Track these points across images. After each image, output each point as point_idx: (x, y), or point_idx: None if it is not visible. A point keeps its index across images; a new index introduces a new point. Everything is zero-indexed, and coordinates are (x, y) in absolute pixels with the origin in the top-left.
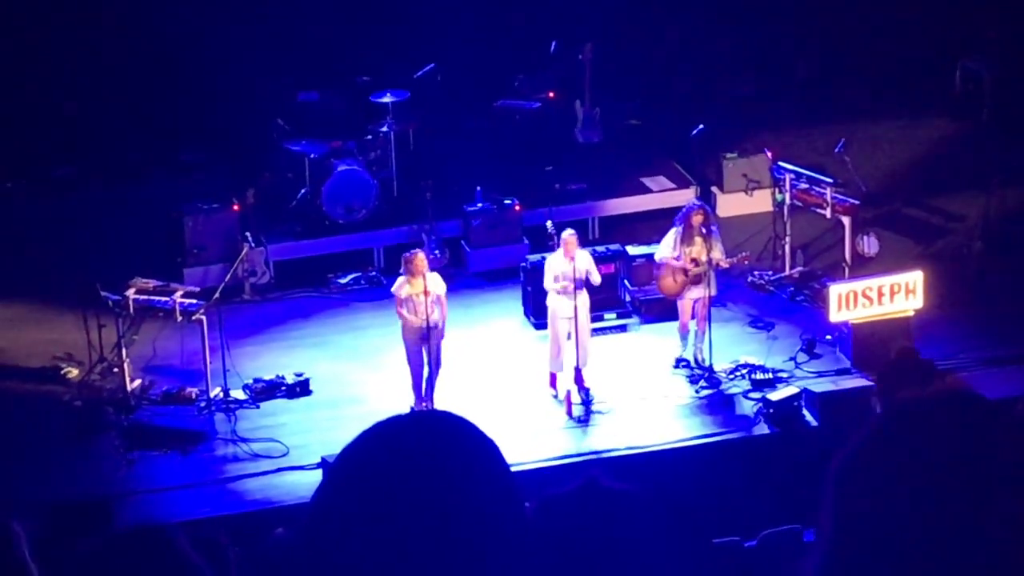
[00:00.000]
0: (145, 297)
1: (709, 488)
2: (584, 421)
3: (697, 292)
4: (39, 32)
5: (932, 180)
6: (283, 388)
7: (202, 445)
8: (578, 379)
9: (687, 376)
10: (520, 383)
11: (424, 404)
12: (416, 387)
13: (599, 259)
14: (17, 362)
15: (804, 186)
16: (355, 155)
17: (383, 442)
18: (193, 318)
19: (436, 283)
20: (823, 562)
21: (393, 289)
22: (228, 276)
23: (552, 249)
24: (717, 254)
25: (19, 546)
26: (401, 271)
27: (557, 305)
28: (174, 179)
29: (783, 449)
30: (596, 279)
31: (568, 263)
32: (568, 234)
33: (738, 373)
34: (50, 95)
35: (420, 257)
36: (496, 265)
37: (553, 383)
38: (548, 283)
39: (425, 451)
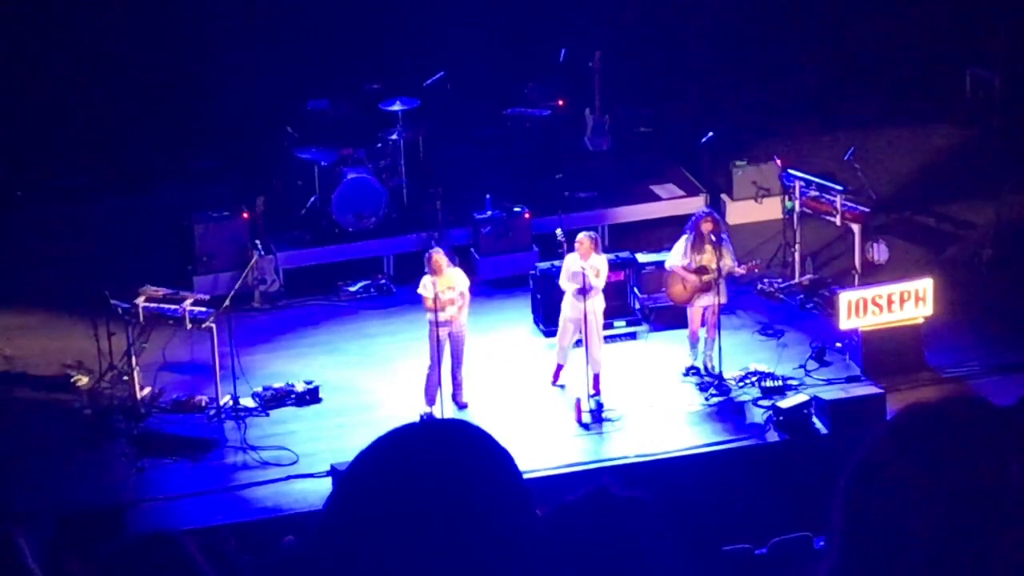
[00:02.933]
0: (155, 305)
1: (719, 495)
2: (594, 429)
3: (706, 300)
4: (49, 41)
5: (942, 187)
6: (293, 396)
7: (212, 453)
8: (595, 385)
9: (697, 384)
10: (530, 391)
11: (455, 398)
12: (431, 386)
13: (609, 266)
14: (27, 370)
15: (814, 193)
16: (365, 163)
17: (395, 450)
18: (203, 326)
19: (460, 279)
20: (834, 569)
21: (419, 290)
22: (238, 284)
23: (562, 256)
24: (728, 262)
25: (23, 556)
26: (425, 270)
27: (568, 306)
28: (184, 187)
29: (793, 456)
30: (599, 284)
31: (580, 264)
32: (583, 235)
33: (748, 380)
34: (60, 104)
35: (438, 255)
36: (506, 273)
37: (557, 375)
38: (563, 282)
39: (437, 459)
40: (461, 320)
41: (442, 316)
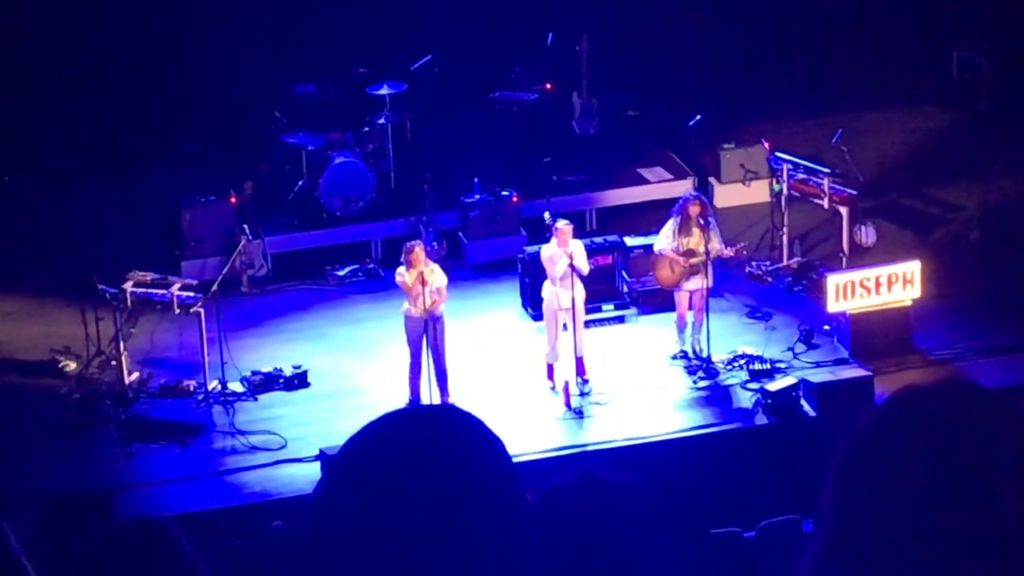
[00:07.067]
0: (143, 290)
1: (707, 479)
2: (582, 412)
3: (694, 283)
4: (36, 24)
5: (930, 170)
6: (281, 380)
7: (200, 438)
8: (579, 368)
9: (685, 367)
10: (518, 374)
11: (443, 397)
12: (414, 378)
13: (597, 250)
14: (15, 355)
15: (802, 176)
16: (352, 147)
17: (386, 436)
18: (191, 311)
19: (438, 275)
20: (823, 551)
21: (397, 279)
22: (226, 268)
23: (548, 240)
24: (715, 245)
25: (7, 540)
26: (401, 260)
27: (554, 296)
28: (172, 172)
29: (781, 439)
30: (584, 269)
31: (562, 252)
32: (563, 224)
33: (736, 364)
34: (47, 88)
35: (416, 250)
36: (494, 257)
37: (551, 375)
38: (554, 271)
39: (428, 445)
40: (440, 315)
41: (415, 313)
